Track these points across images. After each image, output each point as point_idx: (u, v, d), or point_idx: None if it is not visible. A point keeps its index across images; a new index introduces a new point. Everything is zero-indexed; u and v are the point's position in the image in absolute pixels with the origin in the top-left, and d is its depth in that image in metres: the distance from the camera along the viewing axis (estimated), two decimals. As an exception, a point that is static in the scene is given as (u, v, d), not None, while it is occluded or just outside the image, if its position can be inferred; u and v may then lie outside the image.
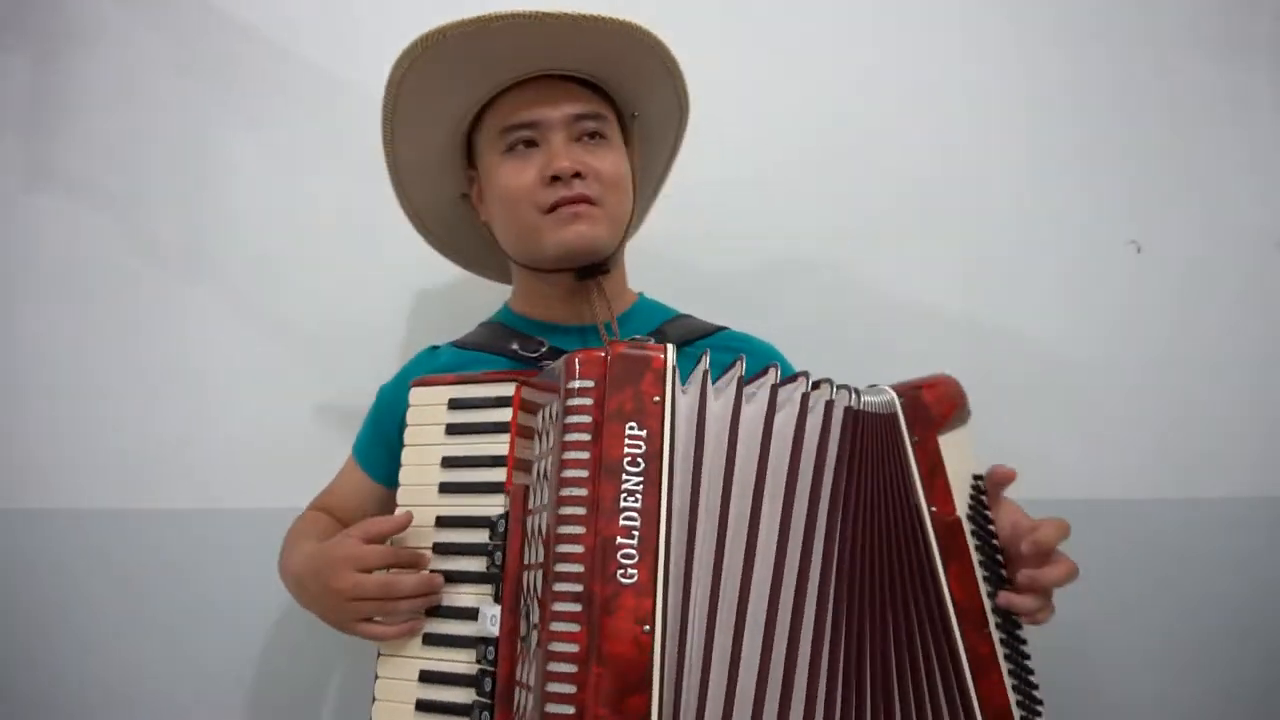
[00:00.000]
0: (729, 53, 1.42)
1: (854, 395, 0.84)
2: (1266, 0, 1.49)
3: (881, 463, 0.84)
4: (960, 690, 0.81)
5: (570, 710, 0.70)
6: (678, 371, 0.77)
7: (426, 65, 0.98)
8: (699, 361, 0.80)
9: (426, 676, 0.83)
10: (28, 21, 1.40)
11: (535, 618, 0.75)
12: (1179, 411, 1.40)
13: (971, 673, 0.81)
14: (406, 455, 0.90)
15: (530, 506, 0.81)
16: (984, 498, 0.88)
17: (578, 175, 0.98)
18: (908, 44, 1.46)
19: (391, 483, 0.91)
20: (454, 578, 0.84)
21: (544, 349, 1.02)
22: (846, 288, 1.42)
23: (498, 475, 0.84)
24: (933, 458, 0.85)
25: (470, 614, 0.82)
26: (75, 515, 1.31)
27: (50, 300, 1.36)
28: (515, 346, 1.04)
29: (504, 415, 0.85)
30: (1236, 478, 1.38)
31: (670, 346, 0.77)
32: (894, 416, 0.85)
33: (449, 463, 0.87)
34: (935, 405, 0.86)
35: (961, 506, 0.85)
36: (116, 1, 1.40)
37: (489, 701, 0.78)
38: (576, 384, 0.76)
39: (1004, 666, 0.82)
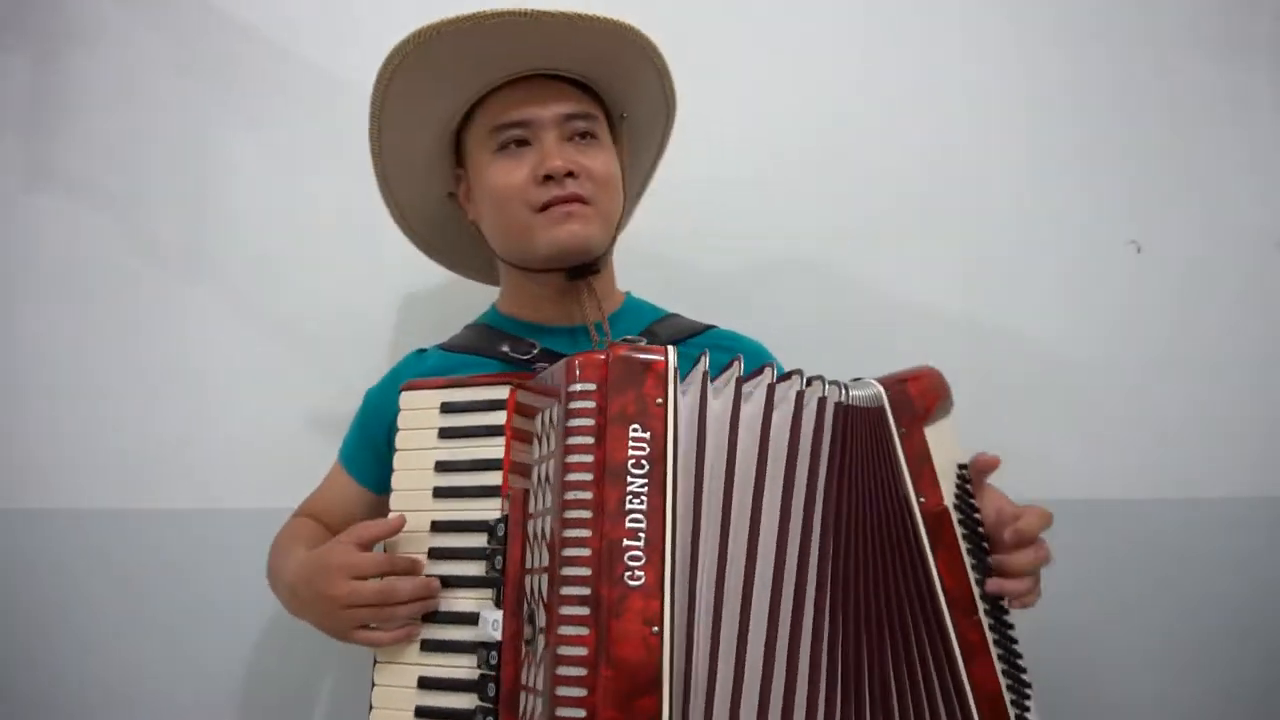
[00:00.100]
0: (727, 52, 1.42)
1: (843, 391, 0.86)
2: (1266, 0, 1.49)
3: (871, 456, 0.86)
4: (953, 678, 0.83)
5: (581, 713, 0.70)
6: (679, 373, 0.78)
7: (417, 62, 0.98)
8: (696, 362, 0.80)
9: (426, 683, 0.82)
10: (28, 21, 1.40)
11: (541, 621, 0.75)
12: (1179, 411, 1.40)
13: (964, 659, 0.83)
14: (398, 460, 0.89)
15: (531, 510, 0.81)
16: (969, 486, 0.90)
17: (570, 175, 0.98)
18: (908, 43, 1.46)
19: (380, 487, 0.90)
20: (451, 582, 0.84)
21: (536, 351, 1.02)
22: (847, 288, 1.42)
23: (493, 479, 0.84)
24: (919, 449, 0.87)
25: (469, 619, 0.82)
26: (75, 515, 1.31)
27: (50, 300, 1.36)
28: (506, 349, 1.03)
29: (498, 418, 0.85)
30: (1236, 478, 1.38)
31: (672, 349, 0.78)
32: (881, 410, 0.87)
33: (443, 467, 0.87)
34: (920, 398, 0.88)
35: (948, 496, 0.87)
36: (116, 1, 1.40)
37: (492, 706, 0.78)
38: (578, 387, 0.77)
39: (994, 652, 0.84)
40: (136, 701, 1.28)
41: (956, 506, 0.87)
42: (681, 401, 0.77)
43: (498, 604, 0.80)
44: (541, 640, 0.75)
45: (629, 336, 0.80)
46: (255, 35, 1.40)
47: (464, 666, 0.81)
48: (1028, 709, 0.86)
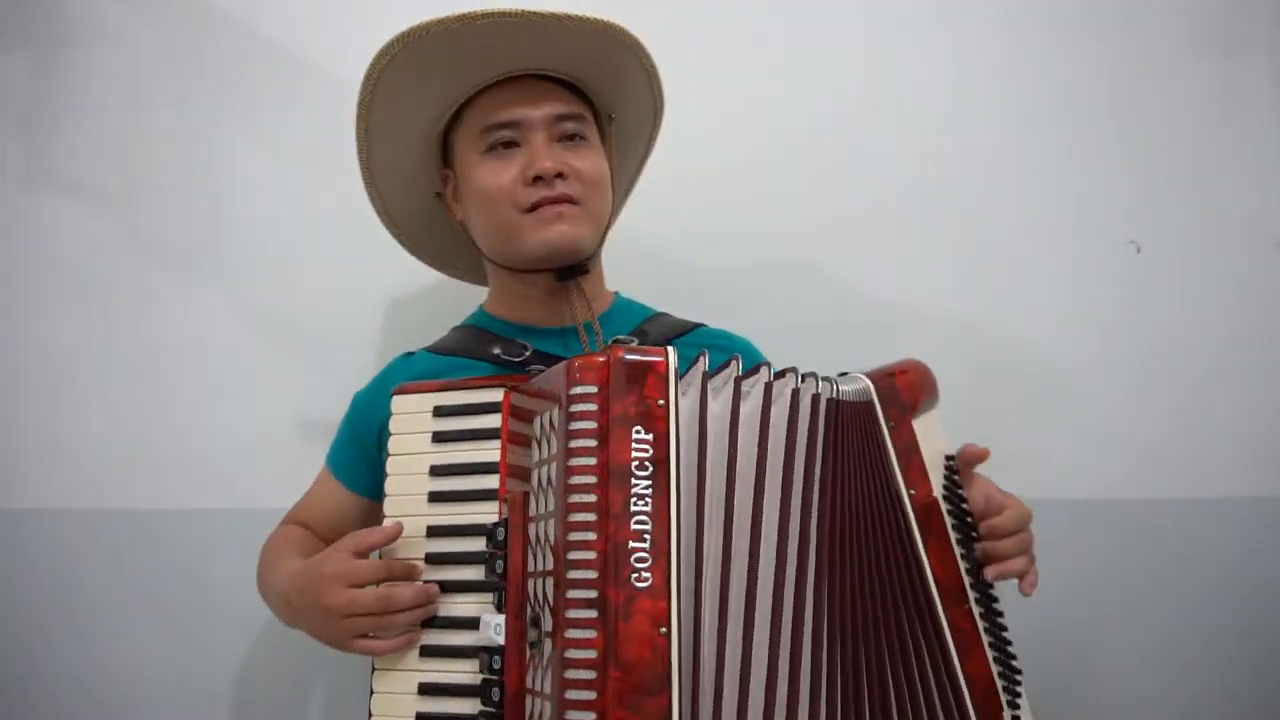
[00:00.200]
0: (716, 51, 1.42)
1: (834, 386, 0.87)
2: (1266, 1, 1.49)
3: (861, 450, 0.87)
4: (947, 667, 0.85)
5: (591, 716, 0.70)
6: (679, 374, 0.78)
7: (406, 62, 0.97)
8: (695, 362, 0.80)
9: (426, 689, 0.82)
10: (28, 21, 1.40)
11: (547, 625, 0.75)
12: (1178, 411, 1.40)
13: (956, 649, 0.84)
14: (391, 465, 0.89)
15: (532, 513, 0.81)
16: (957, 477, 0.91)
17: (560, 175, 0.98)
18: (903, 42, 1.46)
19: (370, 492, 0.89)
20: (450, 587, 0.83)
21: (528, 353, 1.02)
22: (846, 287, 1.42)
23: (490, 482, 0.84)
24: (908, 441, 0.88)
25: (470, 623, 0.81)
26: (75, 515, 1.31)
27: (50, 300, 1.36)
28: (498, 351, 1.03)
29: (493, 421, 0.85)
30: (1236, 478, 1.38)
31: (672, 350, 0.78)
32: (870, 404, 0.88)
33: (438, 471, 0.86)
34: (907, 391, 0.90)
35: (937, 487, 0.89)
36: (116, 1, 1.40)
37: (496, 711, 0.78)
38: (579, 390, 0.76)
39: (985, 639, 0.86)
40: (136, 701, 1.28)
41: (945, 498, 0.89)
42: (682, 402, 0.77)
43: (499, 608, 0.80)
44: (547, 643, 0.75)
45: (620, 337, 0.80)
46: (255, 35, 1.40)
47: (465, 671, 0.81)
48: (1019, 694, 0.88)
